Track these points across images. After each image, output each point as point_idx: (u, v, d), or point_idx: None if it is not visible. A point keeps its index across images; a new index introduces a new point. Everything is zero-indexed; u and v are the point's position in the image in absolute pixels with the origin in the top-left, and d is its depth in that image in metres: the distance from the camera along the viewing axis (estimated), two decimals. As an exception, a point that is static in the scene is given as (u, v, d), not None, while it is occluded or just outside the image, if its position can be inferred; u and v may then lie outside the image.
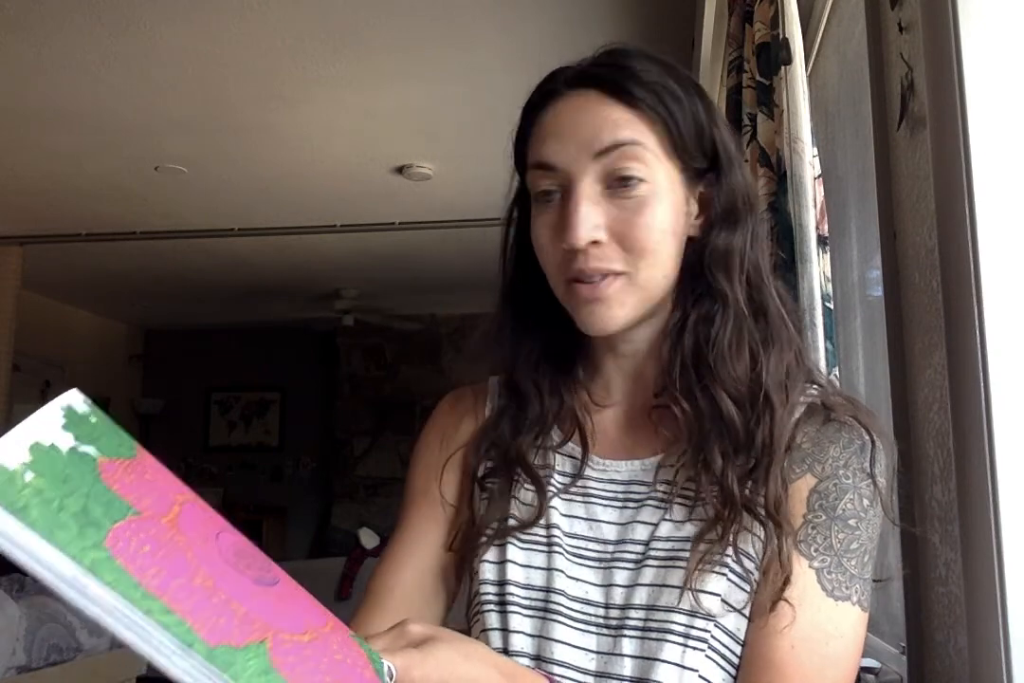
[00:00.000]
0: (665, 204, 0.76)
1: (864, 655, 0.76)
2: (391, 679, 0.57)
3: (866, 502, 0.74)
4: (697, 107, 0.78)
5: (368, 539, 5.86)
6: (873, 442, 0.76)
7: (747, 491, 0.73)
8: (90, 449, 0.51)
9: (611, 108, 0.75)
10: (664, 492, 0.77)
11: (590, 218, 0.74)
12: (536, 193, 0.78)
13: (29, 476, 0.46)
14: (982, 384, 0.82)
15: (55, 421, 0.50)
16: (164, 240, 4.80)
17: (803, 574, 0.72)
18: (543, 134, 0.78)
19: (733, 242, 0.78)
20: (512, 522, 0.81)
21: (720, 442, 0.75)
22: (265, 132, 3.53)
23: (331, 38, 2.83)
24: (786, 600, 0.71)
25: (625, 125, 0.75)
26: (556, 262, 0.78)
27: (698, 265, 0.79)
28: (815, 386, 0.80)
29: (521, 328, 0.85)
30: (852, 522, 0.73)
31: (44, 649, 3.53)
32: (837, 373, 1.23)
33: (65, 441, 0.50)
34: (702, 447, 0.76)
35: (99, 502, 0.48)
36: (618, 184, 0.75)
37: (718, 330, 0.77)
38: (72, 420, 0.51)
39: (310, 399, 7.13)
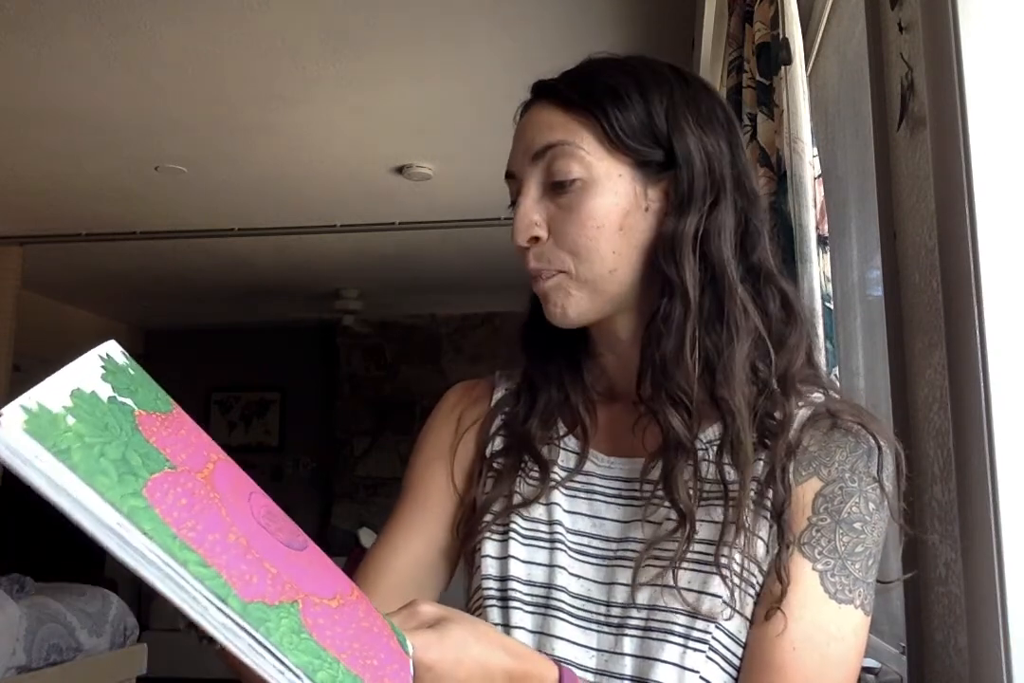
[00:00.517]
0: (603, 199, 0.77)
1: (864, 655, 0.75)
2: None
3: (872, 506, 0.74)
4: (652, 102, 0.78)
5: (368, 539, 5.86)
6: (880, 448, 0.76)
7: (750, 500, 0.73)
8: (128, 401, 0.50)
9: (549, 113, 0.80)
10: (653, 491, 0.77)
11: (527, 216, 0.79)
12: (511, 202, 0.84)
13: (71, 420, 0.45)
14: (982, 384, 0.82)
15: (94, 370, 0.50)
16: (164, 240, 4.79)
17: (806, 576, 0.72)
18: (512, 146, 0.83)
19: (679, 229, 0.77)
20: (515, 500, 0.82)
21: (675, 451, 0.75)
22: (265, 132, 3.53)
23: (331, 38, 2.83)
24: (781, 610, 0.71)
25: (557, 127, 0.78)
26: (522, 262, 0.82)
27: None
28: (819, 389, 0.80)
29: (538, 320, 0.86)
30: (857, 526, 0.73)
31: (44, 649, 3.53)
32: (837, 373, 1.23)
33: (104, 390, 0.49)
34: (663, 455, 0.76)
35: (137, 452, 0.47)
36: (555, 184, 0.78)
37: (665, 330, 0.76)
38: (111, 370, 0.51)
39: (310, 399, 7.12)
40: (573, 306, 0.79)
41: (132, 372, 0.53)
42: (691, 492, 0.74)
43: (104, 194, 4.22)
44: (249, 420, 7.22)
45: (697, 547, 0.74)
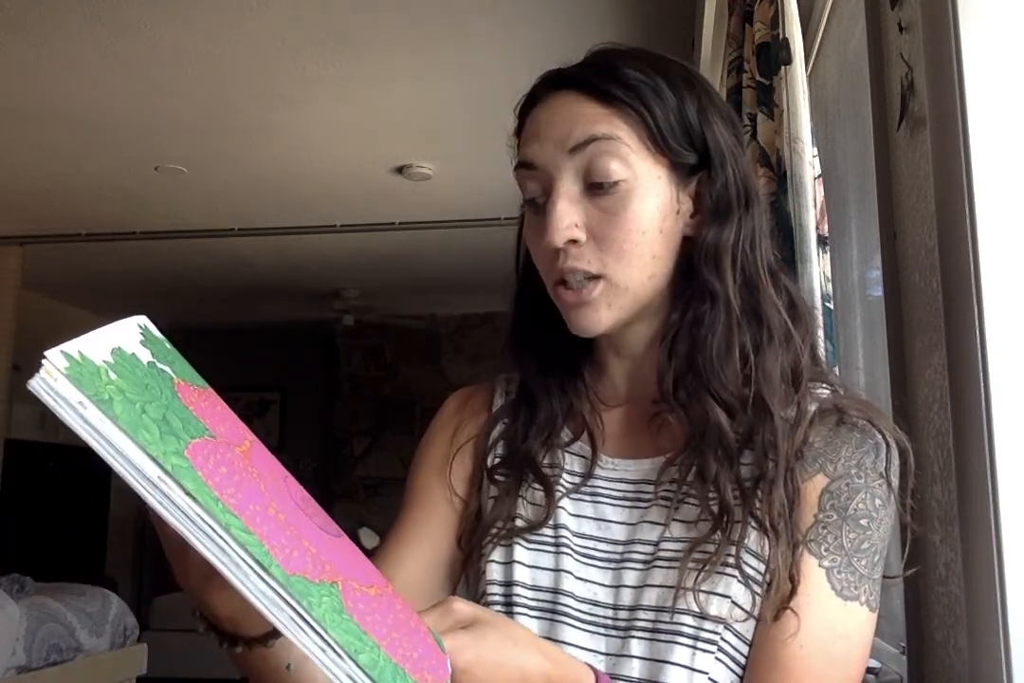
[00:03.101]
0: (647, 202, 0.75)
1: (865, 654, 0.75)
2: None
3: (878, 502, 0.74)
4: (685, 102, 0.77)
5: (368, 539, 5.86)
6: (887, 444, 0.75)
7: (757, 499, 0.73)
8: (167, 369, 0.49)
9: (586, 105, 0.76)
10: (673, 492, 0.77)
11: (567, 217, 0.75)
12: (524, 199, 0.80)
13: (112, 375, 0.44)
14: (982, 384, 0.82)
15: (133, 335, 0.49)
16: (164, 240, 4.79)
17: (813, 573, 0.72)
18: (526, 136, 0.79)
19: (722, 237, 0.77)
20: (519, 523, 0.81)
21: (714, 449, 0.74)
22: (265, 132, 3.52)
23: (331, 38, 2.83)
24: (792, 609, 0.70)
25: (600, 120, 0.75)
26: (544, 263, 0.79)
27: (691, 264, 0.78)
28: (824, 386, 0.80)
29: (531, 328, 0.85)
30: (863, 522, 0.73)
31: (44, 649, 3.53)
32: (837, 373, 1.23)
33: (144, 355, 0.48)
34: (697, 453, 0.75)
35: (177, 416, 0.46)
36: (595, 183, 0.75)
37: (707, 333, 0.76)
38: (149, 339, 0.50)
39: (310, 399, 7.12)
40: (608, 317, 0.77)
41: (169, 346, 0.52)
42: (732, 491, 0.74)
43: (104, 194, 4.21)
44: (249, 420, 7.09)
45: (709, 548, 0.73)
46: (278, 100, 3.25)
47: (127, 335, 0.48)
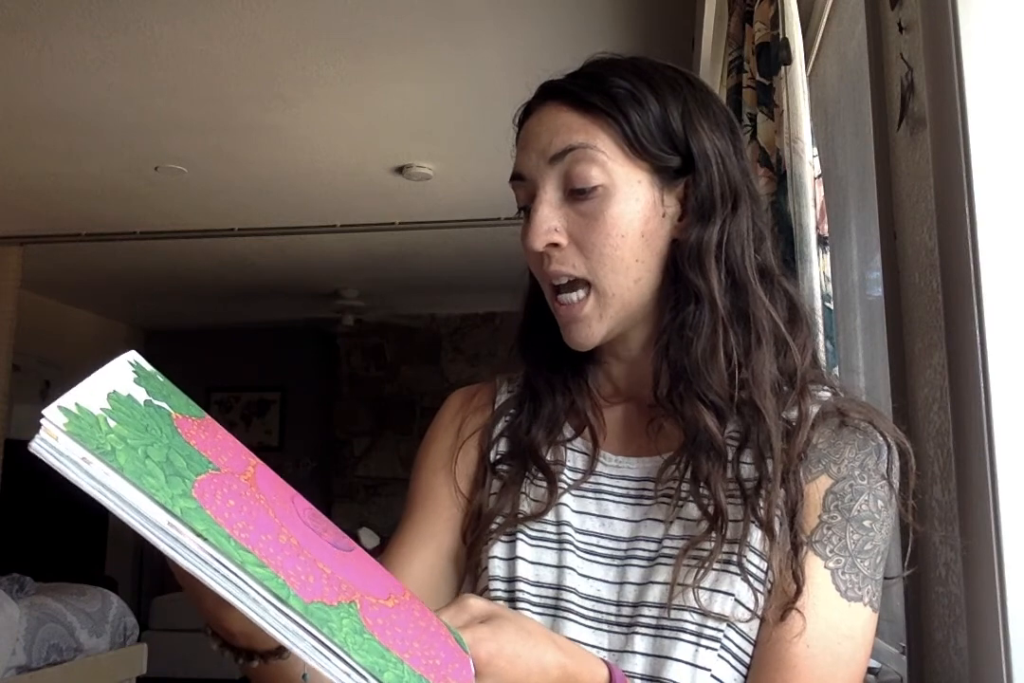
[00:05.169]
0: (626, 206, 0.77)
1: (865, 654, 0.76)
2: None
3: (880, 504, 0.75)
4: (668, 108, 0.78)
5: (368, 539, 5.86)
6: (888, 445, 0.76)
7: (760, 499, 0.73)
8: (164, 404, 0.49)
9: (566, 115, 0.78)
10: (674, 490, 0.77)
11: (546, 222, 0.77)
12: (519, 208, 0.82)
13: (111, 423, 0.44)
14: (982, 384, 0.82)
15: (126, 375, 0.49)
16: (164, 240, 4.79)
17: (818, 574, 0.73)
18: (518, 148, 0.82)
19: (704, 238, 0.77)
20: (525, 503, 0.82)
21: (705, 452, 0.75)
22: (265, 132, 3.53)
23: (331, 38, 2.83)
24: (798, 609, 0.71)
25: (577, 130, 0.77)
26: (534, 268, 0.81)
27: (677, 266, 0.79)
28: (825, 388, 0.80)
29: (537, 326, 0.86)
30: (867, 523, 0.74)
31: (44, 649, 3.53)
32: (837, 373, 1.23)
33: (139, 394, 0.48)
34: (692, 456, 0.76)
35: (180, 454, 0.46)
36: (575, 189, 0.77)
37: (693, 335, 0.76)
38: (142, 375, 0.50)
39: (310, 399, 7.12)
40: (601, 329, 0.79)
41: (161, 379, 0.52)
42: (731, 490, 0.74)
43: (104, 194, 4.21)
44: (249, 420, 7.22)
45: (707, 546, 0.74)
46: (278, 100, 3.25)
47: (120, 375, 0.49)
